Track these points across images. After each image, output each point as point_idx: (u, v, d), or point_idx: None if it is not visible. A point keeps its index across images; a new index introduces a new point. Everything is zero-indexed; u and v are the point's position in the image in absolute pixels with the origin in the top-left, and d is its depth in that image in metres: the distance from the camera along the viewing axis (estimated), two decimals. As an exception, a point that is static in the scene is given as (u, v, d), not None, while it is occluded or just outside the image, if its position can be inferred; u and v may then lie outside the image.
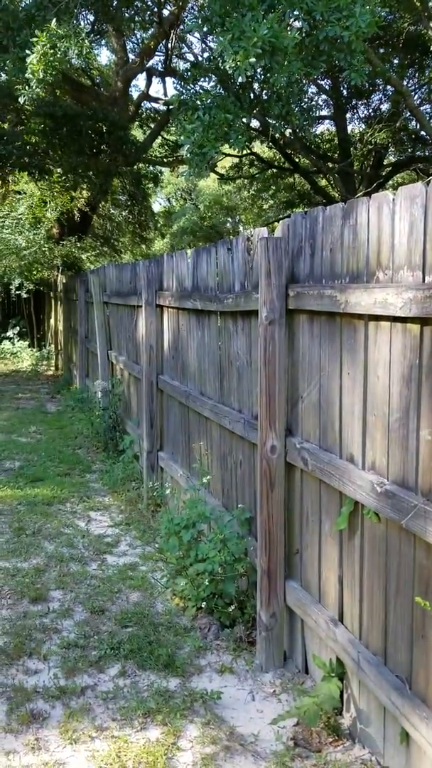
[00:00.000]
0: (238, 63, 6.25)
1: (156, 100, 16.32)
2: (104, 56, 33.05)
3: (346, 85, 13.44)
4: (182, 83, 8.47)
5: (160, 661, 3.45)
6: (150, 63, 14.46)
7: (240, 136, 7.30)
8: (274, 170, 18.40)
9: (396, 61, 13.12)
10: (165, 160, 18.10)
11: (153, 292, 5.78)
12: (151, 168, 18.61)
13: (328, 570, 3.07)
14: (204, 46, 13.10)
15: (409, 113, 13.43)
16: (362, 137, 15.08)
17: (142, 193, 17.87)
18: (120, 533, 5.30)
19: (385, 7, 9.59)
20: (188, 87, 8.32)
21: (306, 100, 13.85)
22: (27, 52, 7.78)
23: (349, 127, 16.01)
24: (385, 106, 14.93)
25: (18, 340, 17.78)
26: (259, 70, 6.92)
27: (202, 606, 3.86)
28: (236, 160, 18.89)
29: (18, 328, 18.51)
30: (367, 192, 12.24)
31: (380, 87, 14.12)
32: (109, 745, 2.86)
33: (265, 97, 7.84)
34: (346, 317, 2.79)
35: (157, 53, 14.27)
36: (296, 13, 6.80)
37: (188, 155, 7.43)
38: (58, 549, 4.93)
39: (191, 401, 4.84)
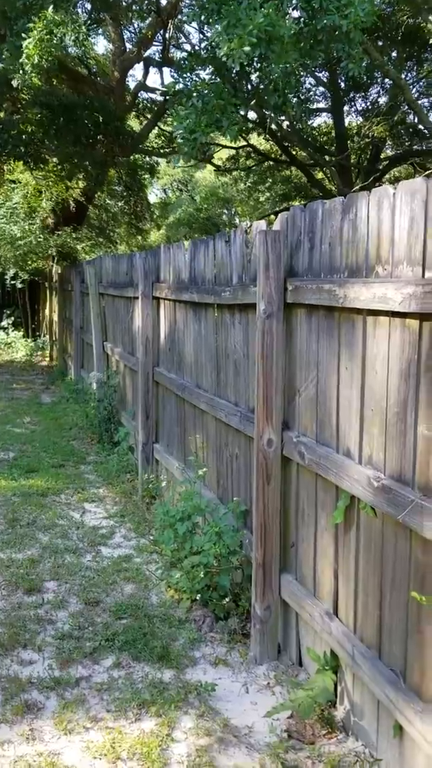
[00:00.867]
0: (233, 50, 6.19)
1: (153, 90, 16.24)
2: (101, 46, 32.82)
3: (344, 78, 13.40)
4: (179, 72, 8.39)
5: (155, 653, 3.46)
6: (147, 53, 14.38)
7: (233, 125, 7.25)
8: (271, 162, 18.35)
9: (394, 54, 13.09)
10: (161, 150, 18.02)
11: (150, 284, 5.77)
12: (147, 159, 18.54)
13: (323, 564, 3.08)
14: (201, 36, 13.03)
15: (407, 106, 13.42)
16: (360, 130, 15.06)
17: (138, 183, 17.81)
18: (115, 525, 5.31)
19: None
20: (184, 76, 8.25)
21: (303, 90, 13.82)
22: (24, 36, 7.71)
23: (347, 120, 15.99)
24: (383, 99, 14.92)
25: (12, 331, 17.71)
26: (255, 60, 6.86)
27: (197, 598, 3.87)
28: (233, 151, 18.83)
29: (12, 318, 18.44)
30: (364, 185, 12.23)
31: (378, 80, 14.11)
32: (104, 736, 2.87)
33: (262, 87, 7.79)
34: (345, 312, 2.79)
35: (154, 43, 14.18)
36: (294, 1, 6.75)
37: (180, 141, 7.39)
38: (52, 540, 4.93)
39: (187, 394, 4.83)
